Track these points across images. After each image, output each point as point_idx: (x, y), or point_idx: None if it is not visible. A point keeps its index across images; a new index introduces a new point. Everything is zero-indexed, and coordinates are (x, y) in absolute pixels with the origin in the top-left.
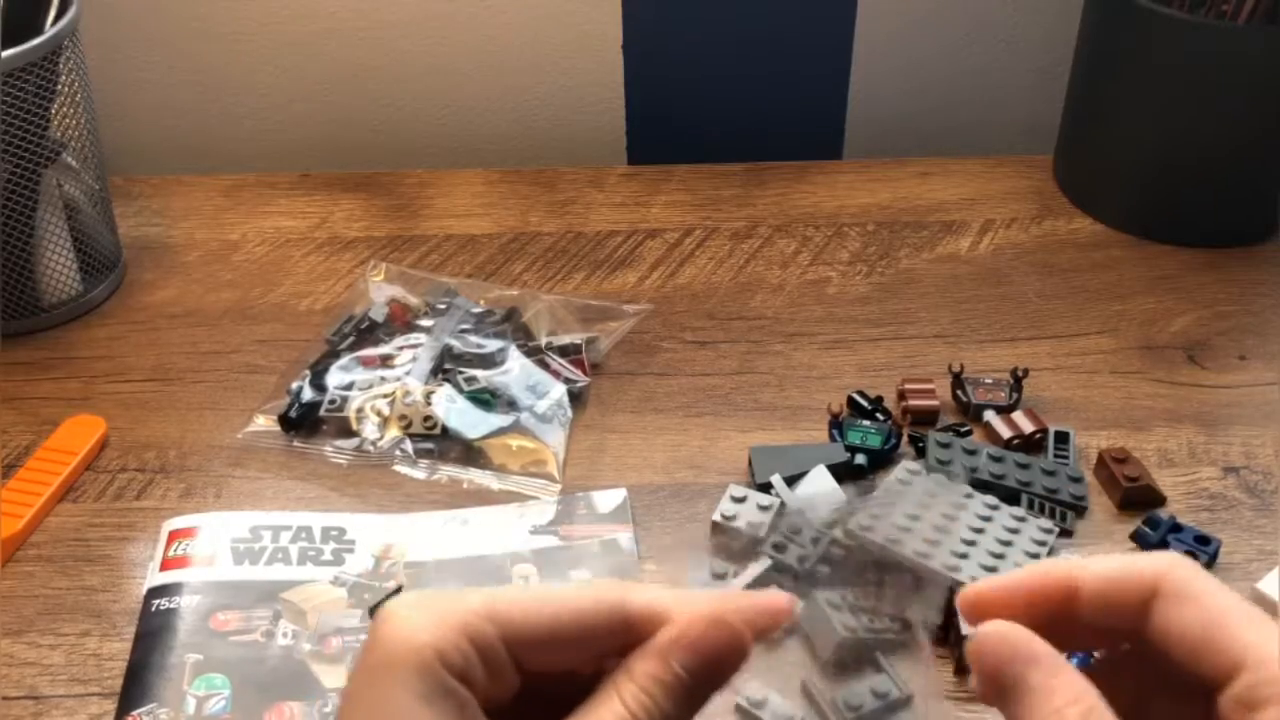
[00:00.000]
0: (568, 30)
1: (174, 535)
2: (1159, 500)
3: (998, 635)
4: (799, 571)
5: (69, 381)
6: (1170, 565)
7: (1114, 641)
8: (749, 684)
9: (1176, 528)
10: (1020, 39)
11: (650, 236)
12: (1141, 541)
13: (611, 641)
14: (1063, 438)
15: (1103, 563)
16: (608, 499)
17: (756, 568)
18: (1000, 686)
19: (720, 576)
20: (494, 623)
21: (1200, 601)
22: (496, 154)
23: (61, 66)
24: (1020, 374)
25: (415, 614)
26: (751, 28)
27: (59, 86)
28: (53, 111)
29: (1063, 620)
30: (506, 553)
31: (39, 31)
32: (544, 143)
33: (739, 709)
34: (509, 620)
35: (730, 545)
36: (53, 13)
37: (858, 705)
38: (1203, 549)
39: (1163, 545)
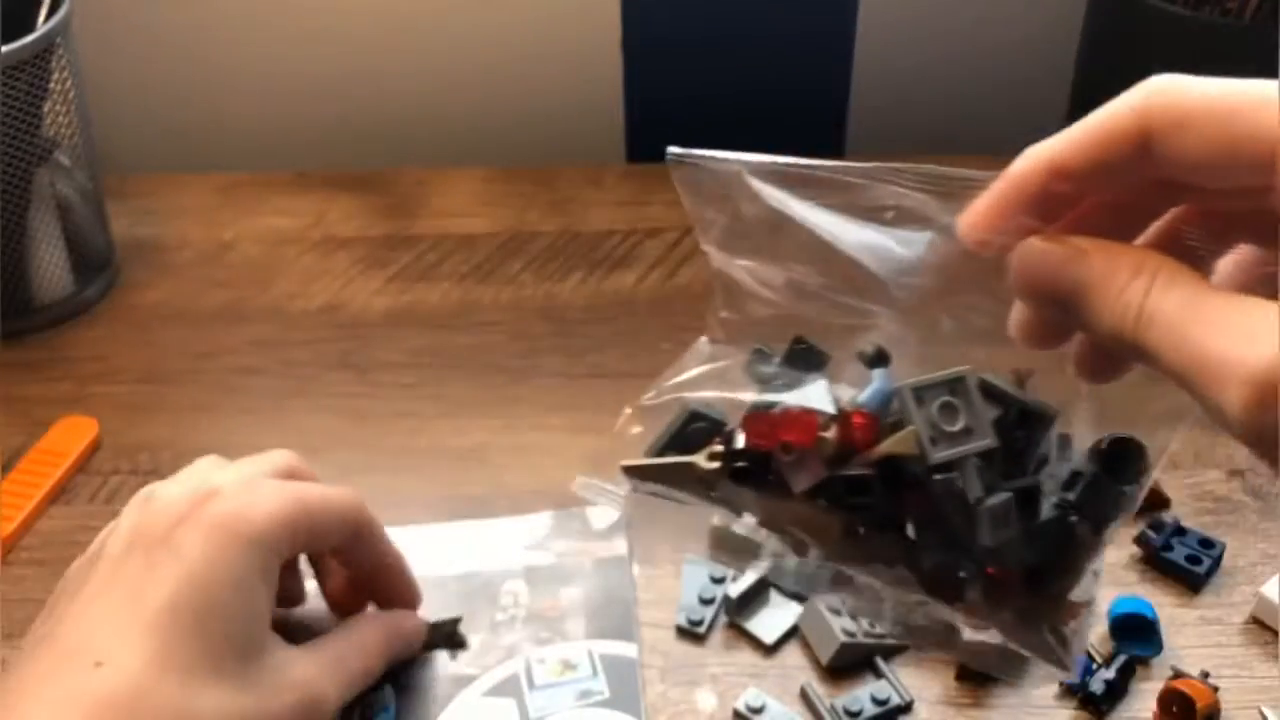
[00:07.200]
0: (567, 29)
1: None
2: (1163, 503)
3: (1037, 250)
4: (798, 575)
5: (61, 382)
6: (1146, 102)
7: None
8: (747, 690)
9: (1180, 531)
10: (1021, 38)
11: (649, 236)
12: (1145, 545)
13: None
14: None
15: (1075, 133)
16: (602, 514)
17: (754, 572)
18: (1062, 300)
19: (718, 580)
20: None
21: (1200, 123)
22: (494, 152)
23: (54, 64)
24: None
25: (255, 497)
26: (751, 26)
27: (51, 84)
28: (45, 110)
29: (1061, 203)
30: (497, 570)
31: (31, 29)
32: (542, 141)
33: (737, 715)
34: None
35: (728, 549)
36: (45, 10)
37: (857, 711)
38: (1207, 552)
39: (1166, 548)
